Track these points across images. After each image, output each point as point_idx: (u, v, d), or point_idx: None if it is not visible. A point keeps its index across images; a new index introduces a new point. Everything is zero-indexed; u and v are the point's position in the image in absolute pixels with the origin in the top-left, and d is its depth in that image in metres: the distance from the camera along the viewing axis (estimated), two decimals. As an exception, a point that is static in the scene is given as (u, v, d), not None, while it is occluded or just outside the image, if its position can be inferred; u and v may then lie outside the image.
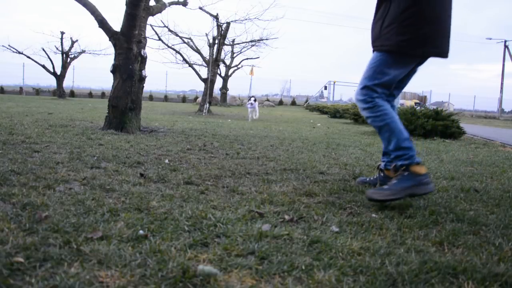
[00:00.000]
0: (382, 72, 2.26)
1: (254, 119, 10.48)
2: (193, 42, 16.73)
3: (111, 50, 8.39)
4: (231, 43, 20.36)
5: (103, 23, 5.24)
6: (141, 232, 1.51)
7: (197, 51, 16.77)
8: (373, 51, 2.33)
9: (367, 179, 2.65)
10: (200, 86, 17.69)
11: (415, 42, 2.17)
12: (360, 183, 2.66)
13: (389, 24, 2.21)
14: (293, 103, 34.52)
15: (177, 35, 15.70)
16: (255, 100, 10.54)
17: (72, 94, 27.88)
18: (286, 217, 1.82)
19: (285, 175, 2.86)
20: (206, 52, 16.70)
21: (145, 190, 2.18)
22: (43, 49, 21.07)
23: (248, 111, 10.78)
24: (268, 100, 33.53)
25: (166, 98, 30.55)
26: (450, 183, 2.87)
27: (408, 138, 2.23)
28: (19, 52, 21.38)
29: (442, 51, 2.25)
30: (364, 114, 2.35)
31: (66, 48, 21.35)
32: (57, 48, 21.27)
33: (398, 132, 2.22)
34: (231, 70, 23.70)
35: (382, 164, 2.52)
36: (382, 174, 2.55)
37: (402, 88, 2.48)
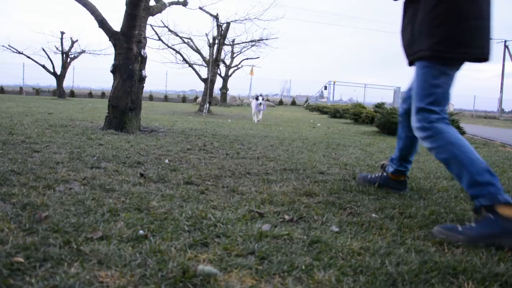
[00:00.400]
0: (431, 86, 1.92)
1: (258, 122, 9.04)
2: (193, 42, 16.73)
3: (111, 50, 8.39)
4: (231, 43, 20.36)
5: (103, 23, 5.24)
6: (141, 232, 1.51)
7: (197, 51, 16.77)
8: (409, 64, 2.06)
9: (369, 176, 2.64)
10: (200, 86, 17.71)
11: (451, 43, 1.85)
12: (361, 181, 2.65)
13: (420, 26, 1.93)
14: (293, 103, 34.51)
15: (177, 35, 15.70)
16: (263, 99, 8.99)
17: (72, 94, 27.88)
18: (286, 217, 1.82)
19: (285, 175, 2.86)
20: (206, 52, 16.72)
21: (145, 190, 2.18)
22: (43, 49, 21.08)
23: (253, 111, 9.33)
24: (268, 100, 33.56)
25: (166, 98, 30.54)
26: (450, 183, 2.87)
27: (486, 169, 1.77)
28: (19, 52, 21.38)
29: (484, 52, 1.90)
30: (425, 145, 1.97)
31: (66, 48, 21.35)
32: (57, 48, 21.27)
33: (469, 164, 1.78)
34: (231, 70, 23.69)
35: (390, 168, 2.51)
36: (385, 175, 2.55)
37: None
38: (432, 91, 1.92)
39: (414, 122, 2.00)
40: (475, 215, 1.76)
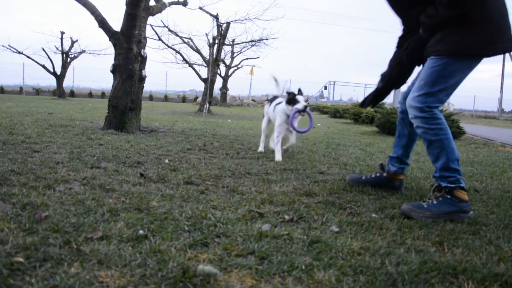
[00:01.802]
0: (445, 76, 2.09)
1: (290, 145, 4.08)
2: (193, 42, 16.72)
3: (111, 50, 8.40)
4: (231, 43, 20.34)
5: (103, 23, 5.23)
6: (141, 232, 1.51)
7: (197, 51, 16.76)
8: (429, 56, 2.17)
9: (363, 177, 2.62)
10: (200, 86, 17.69)
11: (482, 41, 2.03)
12: (354, 182, 2.61)
13: (451, 26, 2.07)
14: (293, 103, 34.44)
15: (177, 35, 15.69)
16: (306, 101, 3.70)
17: (72, 94, 27.85)
18: (286, 217, 1.82)
19: (285, 175, 2.86)
20: (206, 52, 16.70)
21: (145, 190, 2.18)
22: (43, 49, 21.04)
23: (277, 125, 3.78)
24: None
25: (166, 98, 30.52)
26: (450, 183, 2.87)
27: (458, 159, 2.10)
28: (19, 52, 21.35)
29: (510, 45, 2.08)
30: (415, 122, 2.17)
31: (66, 48, 21.33)
32: (57, 48, 21.24)
33: (450, 152, 2.08)
34: (231, 70, 23.66)
35: (392, 167, 2.51)
36: (385, 175, 2.54)
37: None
38: (445, 81, 2.10)
39: (415, 102, 2.14)
40: (434, 192, 2.10)
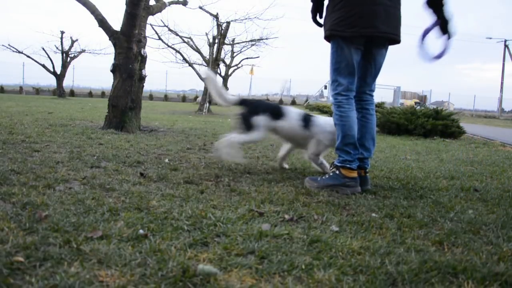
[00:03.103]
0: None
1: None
2: (193, 42, 16.69)
3: (111, 49, 8.39)
4: (231, 42, 20.31)
5: (103, 23, 5.23)
6: (141, 231, 1.51)
7: (197, 50, 16.74)
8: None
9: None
10: (200, 86, 17.69)
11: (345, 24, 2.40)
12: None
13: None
14: (293, 102, 34.51)
15: (177, 34, 15.66)
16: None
17: (72, 93, 27.86)
18: (286, 216, 1.82)
19: (285, 174, 2.86)
20: (206, 51, 16.67)
21: (145, 189, 2.18)
22: (43, 49, 21.06)
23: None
24: (268, 99, 33.53)
25: (166, 98, 30.53)
26: (450, 183, 2.87)
27: (354, 143, 2.47)
28: (19, 52, 21.36)
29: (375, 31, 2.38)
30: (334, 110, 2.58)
31: (66, 47, 21.34)
32: (57, 48, 21.26)
33: (350, 135, 2.46)
34: (231, 70, 23.66)
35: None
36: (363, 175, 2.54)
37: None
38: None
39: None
40: (331, 168, 2.61)
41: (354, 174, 2.43)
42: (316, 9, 2.61)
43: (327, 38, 2.54)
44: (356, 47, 2.44)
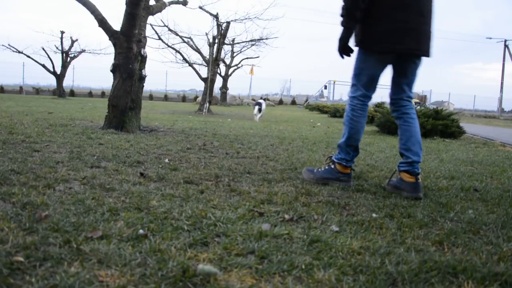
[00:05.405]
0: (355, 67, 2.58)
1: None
2: (193, 42, 16.70)
3: (111, 49, 8.39)
4: (231, 42, 20.33)
5: (103, 22, 5.23)
6: (141, 231, 1.51)
7: (197, 50, 16.75)
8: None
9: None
10: (200, 86, 17.69)
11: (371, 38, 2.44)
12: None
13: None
14: (293, 102, 34.51)
15: (177, 34, 15.67)
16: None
17: (72, 93, 27.87)
18: (286, 216, 1.82)
19: (285, 174, 2.86)
20: (206, 51, 16.68)
21: (145, 189, 2.18)
22: (43, 49, 21.06)
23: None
24: (268, 99, 33.51)
25: (166, 98, 30.52)
26: (450, 183, 2.87)
27: (355, 146, 2.59)
28: (19, 52, 21.36)
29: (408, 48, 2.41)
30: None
31: (66, 47, 21.34)
32: (57, 48, 21.25)
33: (353, 136, 2.58)
34: (231, 70, 23.68)
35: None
36: (400, 177, 2.53)
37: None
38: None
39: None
40: (328, 161, 2.68)
41: (348, 171, 2.58)
42: (350, 35, 2.49)
43: (356, 45, 2.53)
44: (383, 61, 2.49)
